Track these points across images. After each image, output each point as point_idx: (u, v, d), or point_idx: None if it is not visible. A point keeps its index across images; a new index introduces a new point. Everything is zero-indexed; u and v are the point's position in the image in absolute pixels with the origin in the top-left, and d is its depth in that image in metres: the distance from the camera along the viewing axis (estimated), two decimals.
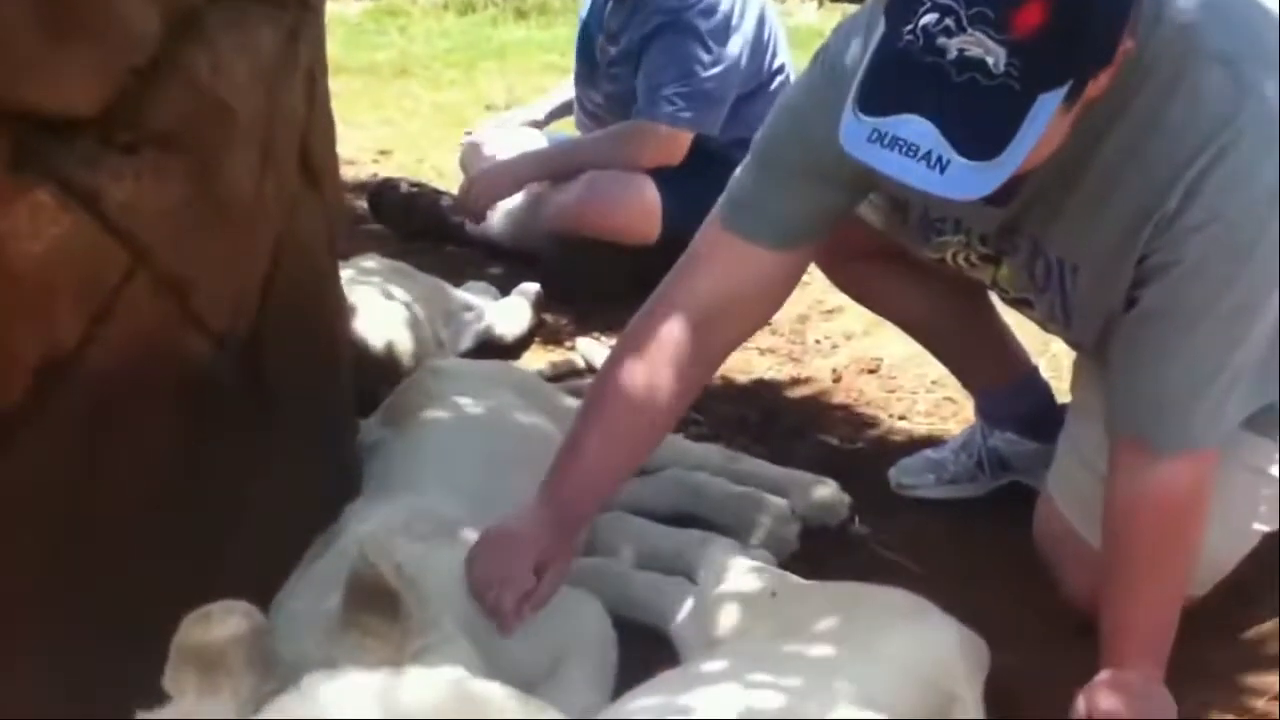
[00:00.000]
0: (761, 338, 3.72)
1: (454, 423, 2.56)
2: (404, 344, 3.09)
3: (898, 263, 2.55)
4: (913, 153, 1.76)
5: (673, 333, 2.24)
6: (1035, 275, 2.21)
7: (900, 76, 1.78)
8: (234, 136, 1.92)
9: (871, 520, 2.76)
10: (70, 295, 1.74)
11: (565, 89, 4.62)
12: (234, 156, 1.93)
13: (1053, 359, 3.13)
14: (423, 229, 4.43)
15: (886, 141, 1.78)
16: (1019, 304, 2.40)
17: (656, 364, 2.25)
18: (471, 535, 2.16)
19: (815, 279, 3.97)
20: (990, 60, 1.71)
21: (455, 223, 4.37)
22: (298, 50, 2.10)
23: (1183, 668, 2.16)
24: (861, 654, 1.93)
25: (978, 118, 1.74)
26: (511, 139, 4.53)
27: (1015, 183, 2.00)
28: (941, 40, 1.73)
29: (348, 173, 5.17)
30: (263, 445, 2.08)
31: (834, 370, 3.53)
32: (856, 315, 3.78)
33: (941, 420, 3.27)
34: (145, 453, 1.90)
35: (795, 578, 2.32)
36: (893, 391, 3.42)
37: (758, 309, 2.35)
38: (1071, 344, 2.46)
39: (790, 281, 2.33)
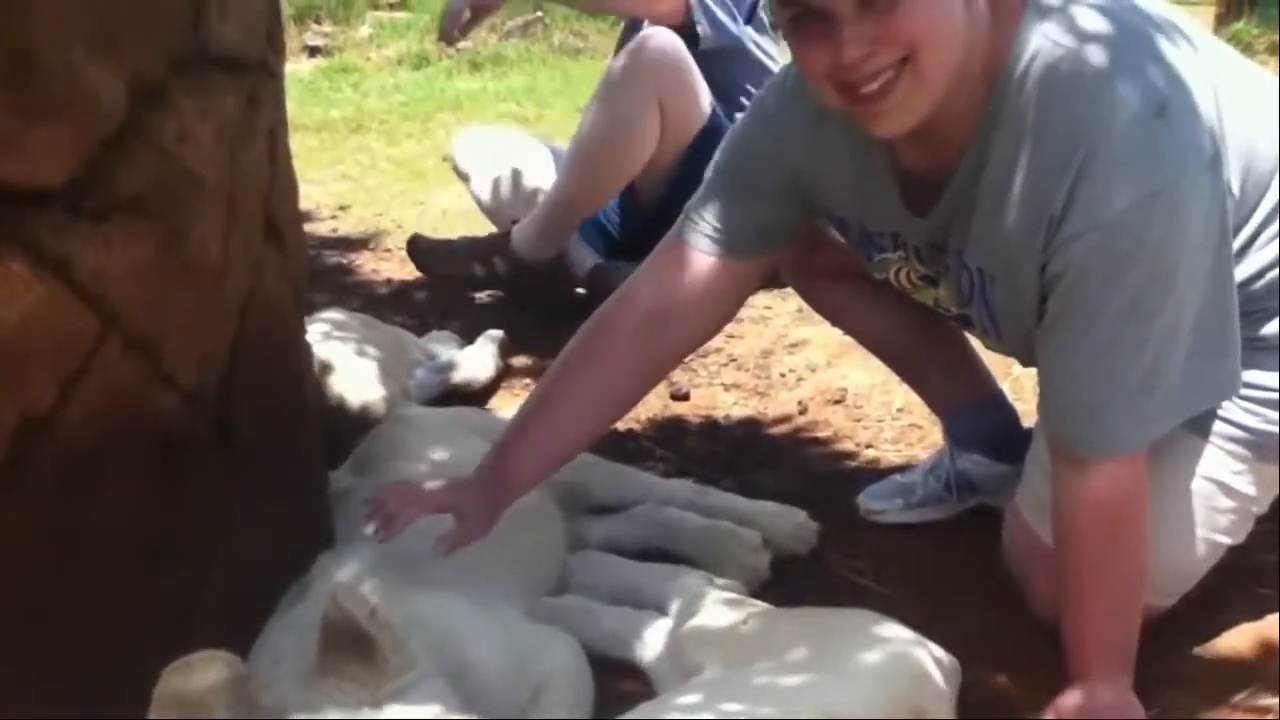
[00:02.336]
0: (727, 373, 3.76)
1: (422, 468, 2.60)
2: (372, 395, 3.11)
3: (867, 282, 2.60)
4: None
5: (627, 330, 2.41)
6: (962, 288, 2.29)
7: None
8: (200, 201, 1.96)
9: (841, 547, 2.78)
10: (44, 360, 1.77)
11: None
12: (200, 220, 1.97)
13: (1015, 381, 3.17)
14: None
15: None
16: (961, 322, 2.47)
17: (609, 357, 2.41)
18: (438, 577, 2.21)
19: (779, 314, 4.05)
20: None
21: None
22: (259, 114, 2.14)
23: (1155, 676, 2.20)
24: (833, 676, 1.97)
25: None
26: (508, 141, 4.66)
27: (935, 190, 2.17)
28: None
29: (306, 228, 5.20)
30: (235, 498, 2.11)
31: (800, 402, 3.55)
32: (820, 347, 3.82)
33: (908, 446, 3.29)
34: (121, 509, 1.92)
35: (766, 605, 2.35)
36: (859, 420, 3.44)
37: (707, 315, 2.49)
38: (1012, 356, 2.55)
39: (739, 291, 2.49)
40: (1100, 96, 1.98)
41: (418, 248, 4.30)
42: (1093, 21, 2.04)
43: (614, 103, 4.02)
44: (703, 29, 4.11)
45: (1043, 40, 2.02)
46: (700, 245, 2.39)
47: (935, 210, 2.21)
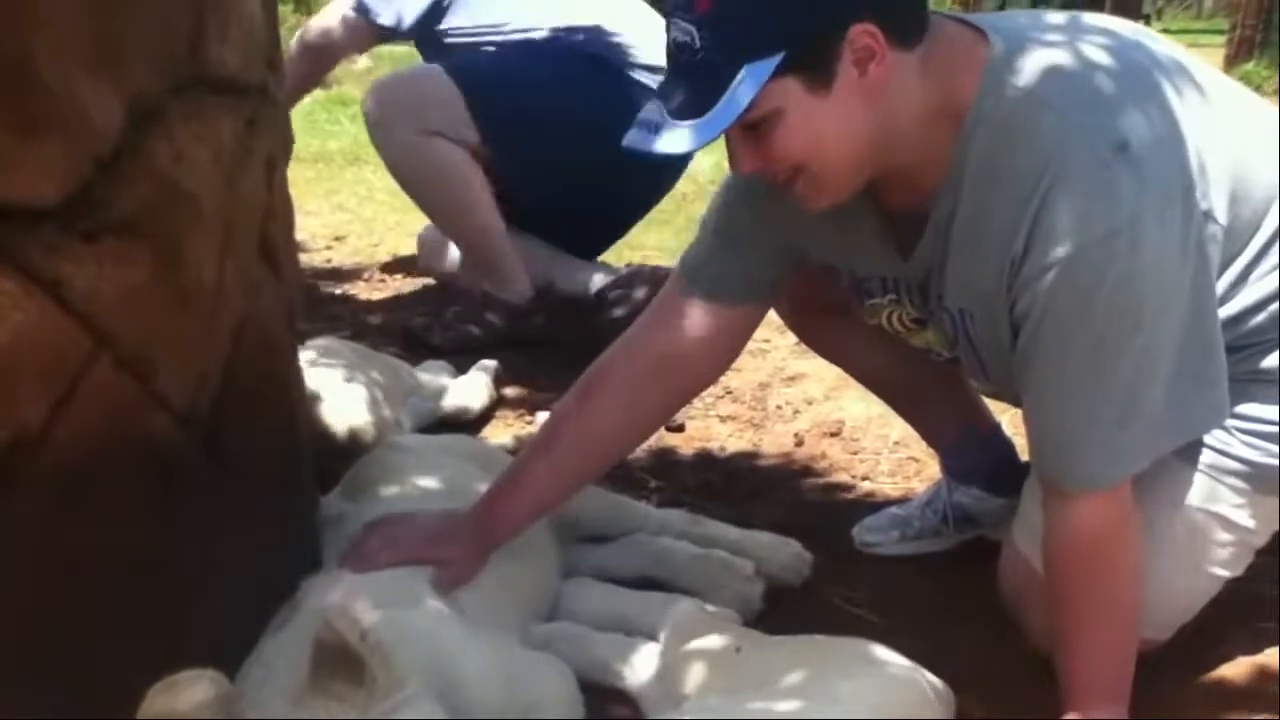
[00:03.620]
0: (723, 405, 3.76)
1: (414, 494, 2.59)
2: (363, 422, 3.10)
3: (861, 318, 2.60)
4: (641, 126, 2.03)
5: (626, 378, 2.43)
6: (946, 330, 2.31)
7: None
8: (195, 223, 1.95)
9: (836, 578, 2.77)
10: (34, 379, 1.76)
11: None
12: (195, 242, 1.96)
13: (1014, 416, 3.16)
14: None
15: (635, 124, 2.04)
16: (955, 364, 2.48)
17: (606, 408, 2.42)
18: (434, 602, 2.19)
19: (776, 347, 4.05)
20: (688, 40, 1.96)
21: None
22: (257, 138, 2.14)
23: (1151, 707, 2.20)
24: (827, 703, 1.95)
25: (687, 88, 1.98)
26: None
27: (914, 235, 2.20)
28: (669, 34, 2.00)
29: (301, 258, 5.19)
30: (226, 521, 2.09)
31: (796, 434, 3.55)
32: (817, 381, 3.82)
33: (905, 479, 3.30)
34: (111, 529, 1.91)
35: (759, 633, 2.34)
36: (855, 453, 3.45)
37: (707, 362, 2.50)
38: (1000, 398, 2.58)
39: (735, 338, 2.49)
40: (1060, 136, 2.00)
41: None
42: (1060, 60, 2.07)
43: (400, 159, 4.15)
44: (388, 20, 4.27)
45: (1006, 83, 2.05)
46: (697, 295, 2.42)
47: (917, 251, 2.23)
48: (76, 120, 1.77)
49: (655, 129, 2.00)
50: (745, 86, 1.93)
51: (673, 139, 1.98)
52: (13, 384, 1.74)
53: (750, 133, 2.02)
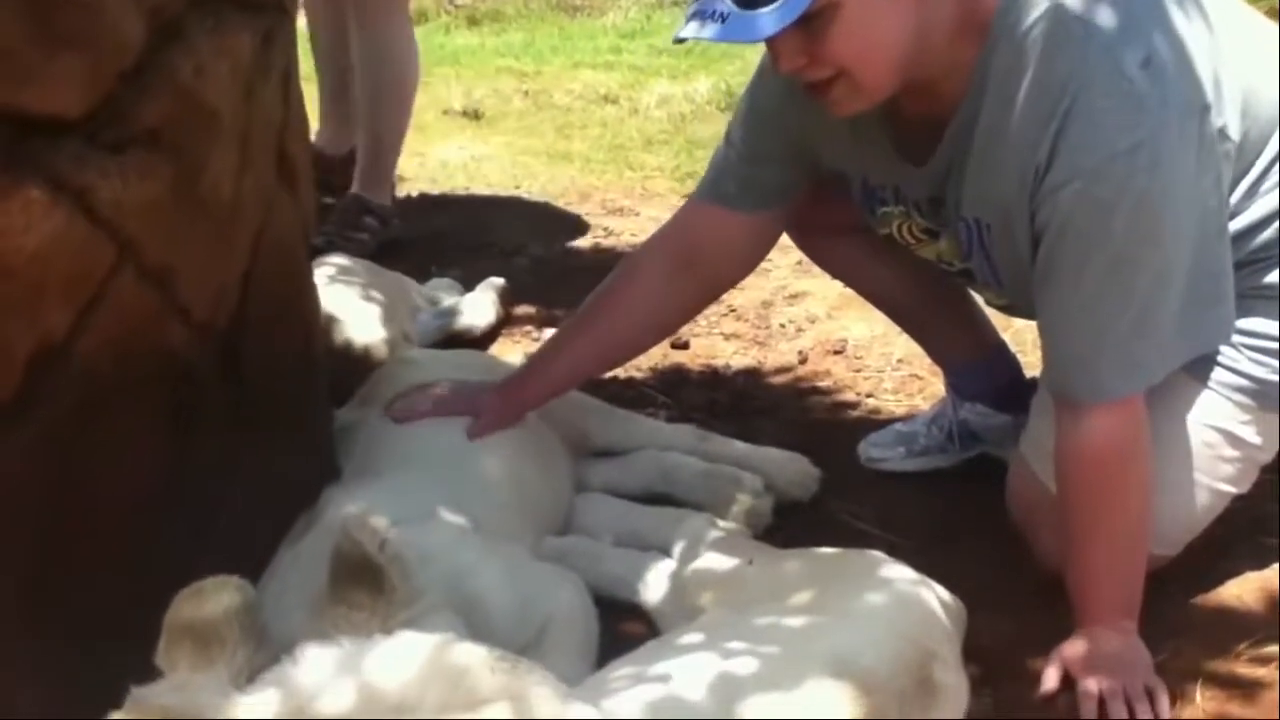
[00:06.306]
0: (726, 323, 3.76)
1: None
2: (375, 337, 3.12)
3: (869, 237, 2.62)
4: (703, 16, 2.00)
5: (662, 267, 2.58)
6: (961, 240, 2.32)
7: None
8: (215, 136, 1.97)
9: (843, 494, 2.79)
10: (60, 288, 1.78)
11: None
12: (215, 155, 1.97)
13: (1016, 334, 3.18)
14: None
15: (690, 16, 2.03)
16: (965, 278, 2.50)
17: (645, 288, 2.57)
18: (450, 516, 2.22)
19: (778, 266, 4.04)
20: None
21: None
22: (274, 53, 2.15)
23: (1159, 624, 2.24)
24: (841, 614, 1.97)
25: None
26: None
27: (934, 138, 2.22)
28: None
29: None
30: (243, 433, 2.12)
31: (800, 352, 3.56)
32: (820, 299, 3.82)
33: (908, 397, 3.31)
34: (132, 439, 1.94)
35: (771, 547, 2.37)
36: (859, 371, 3.45)
37: (730, 262, 2.63)
38: (1013, 311, 2.61)
39: (757, 243, 2.62)
40: (1085, 48, 2.02)
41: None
42: None
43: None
44: None
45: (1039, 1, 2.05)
46: (719, 204, 2.51)
47: (933, 159, 2.24)
48: (100, 33, 1.78)
49: (720, 17, 1.97)
50: None
51: (744, 26, 1.96)
52: (40, 292, 1.75)
53: (800, 29, 1.99)
